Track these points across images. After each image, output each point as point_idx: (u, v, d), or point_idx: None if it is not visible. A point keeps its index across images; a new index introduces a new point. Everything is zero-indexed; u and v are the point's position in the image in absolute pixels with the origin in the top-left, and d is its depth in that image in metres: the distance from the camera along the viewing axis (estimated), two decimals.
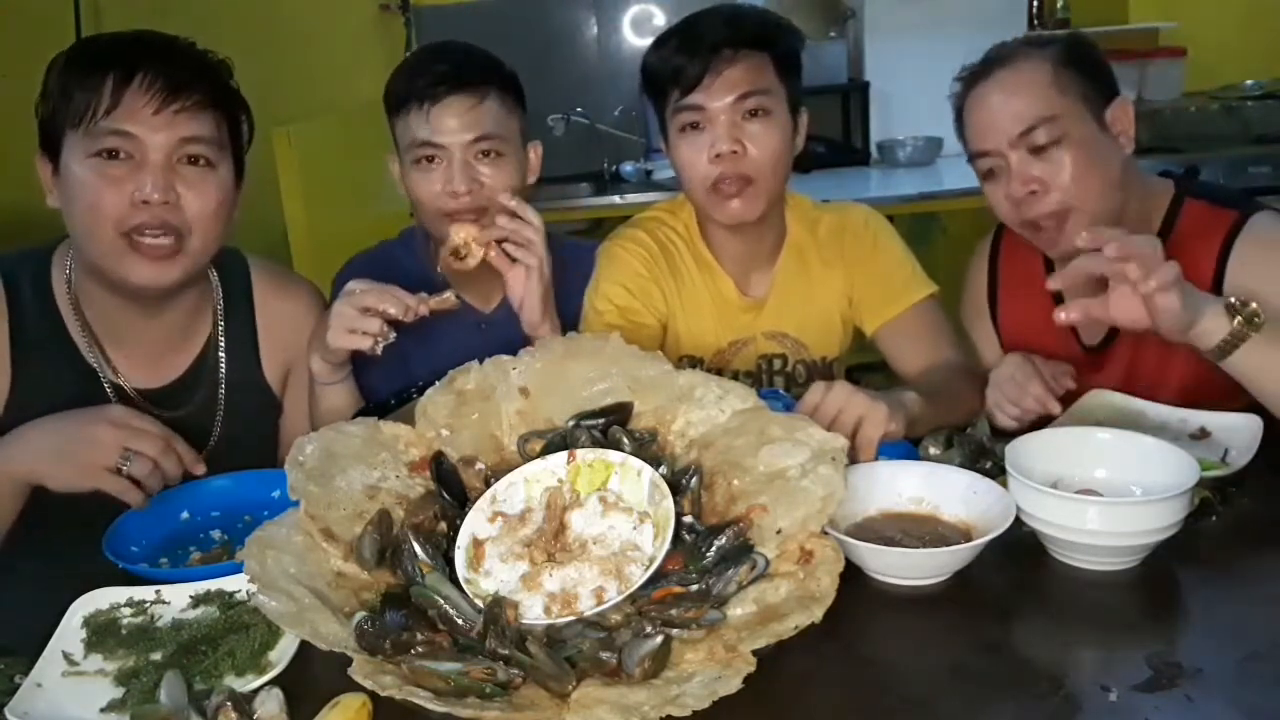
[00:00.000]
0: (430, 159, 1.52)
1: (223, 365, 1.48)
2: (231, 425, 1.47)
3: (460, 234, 1.47)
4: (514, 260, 1.47)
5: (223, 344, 1.48)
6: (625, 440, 1.15)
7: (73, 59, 1.29)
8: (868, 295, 1.64)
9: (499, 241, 1.47)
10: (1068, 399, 1.38)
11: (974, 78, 1.48)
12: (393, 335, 1.35)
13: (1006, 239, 1.64)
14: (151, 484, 1.23)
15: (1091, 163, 1.41)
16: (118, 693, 0.94)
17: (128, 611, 1.07)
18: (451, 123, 1.51)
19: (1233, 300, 1.20)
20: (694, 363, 1.63)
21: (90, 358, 1.38)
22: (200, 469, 1.29)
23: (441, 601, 0.97)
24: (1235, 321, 1.19)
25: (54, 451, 1.23)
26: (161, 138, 1.27)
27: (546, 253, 1.47)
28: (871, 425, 1.22)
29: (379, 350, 1.35)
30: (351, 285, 1.37)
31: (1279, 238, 1.41)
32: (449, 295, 1.40)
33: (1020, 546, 1.08)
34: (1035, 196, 1.42)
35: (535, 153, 1.64)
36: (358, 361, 1.48)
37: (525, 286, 1.46)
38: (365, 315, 1.34)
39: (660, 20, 3.76)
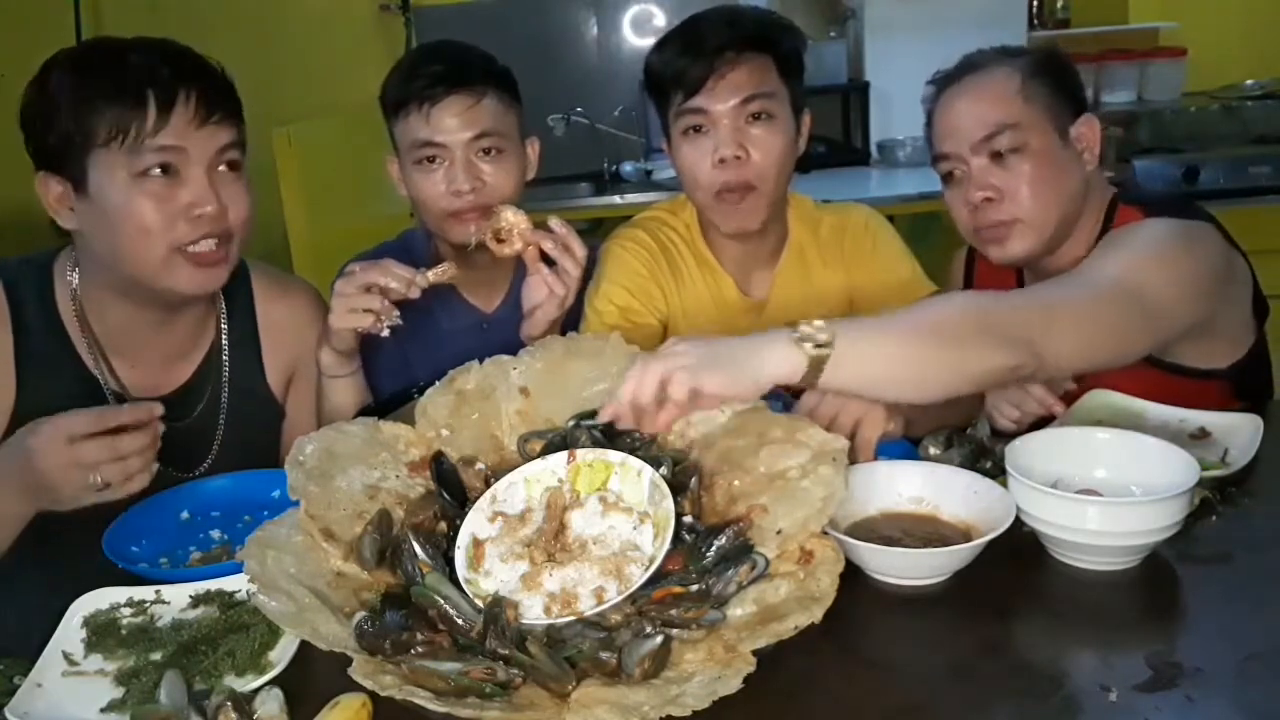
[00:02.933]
0: (431, 159, 1.53)
1: (226, 372, 1.47)
2: (234, 432, 1.47)
3: (509, 217, 1.42)
4: (547, 265, 1.44)
5: (226, 351, 1.48)
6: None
7: (90, 76, 1.25)
8: (868, 296, 1.64)
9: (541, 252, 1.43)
10: (1068, 399, 1.38)
11: (945, 81, 1.50)
12: (397, 314, 1.36)
13: (979, 256, 1.66)
14: (134, 467, 1.17)
15: (1048, 176, 1.43)
16: (118, 693, 0.94)
17: (128, 611, 1.07)
18: (451, 122, 1.51)
19: (797, 333, 1.03)
20: None
21: (94, 369, 1.38)
22: (159, 409, 1.20)
23: (441, 601, 0.97)
24: (808, 348, 1.02)
25: (29, 491, 1.17)
26: (206, 149, 1.27)
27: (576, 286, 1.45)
28: (869, 426, 1.22)
29: (384, 330, 1.36)
30: (351, 266, 1.38)
31: (1128, 231, 1.38)
32: (447, 266, 1.40)
33: (1020, 546, 1.07)
34: (990, 204, 1.44)
35: (533, 149, 1.64)
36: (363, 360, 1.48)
37: (544, 304, 1.43)
38: (366, 293, 1.35)
39: (660, 20, 3.76)
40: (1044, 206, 1.43)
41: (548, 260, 1.43)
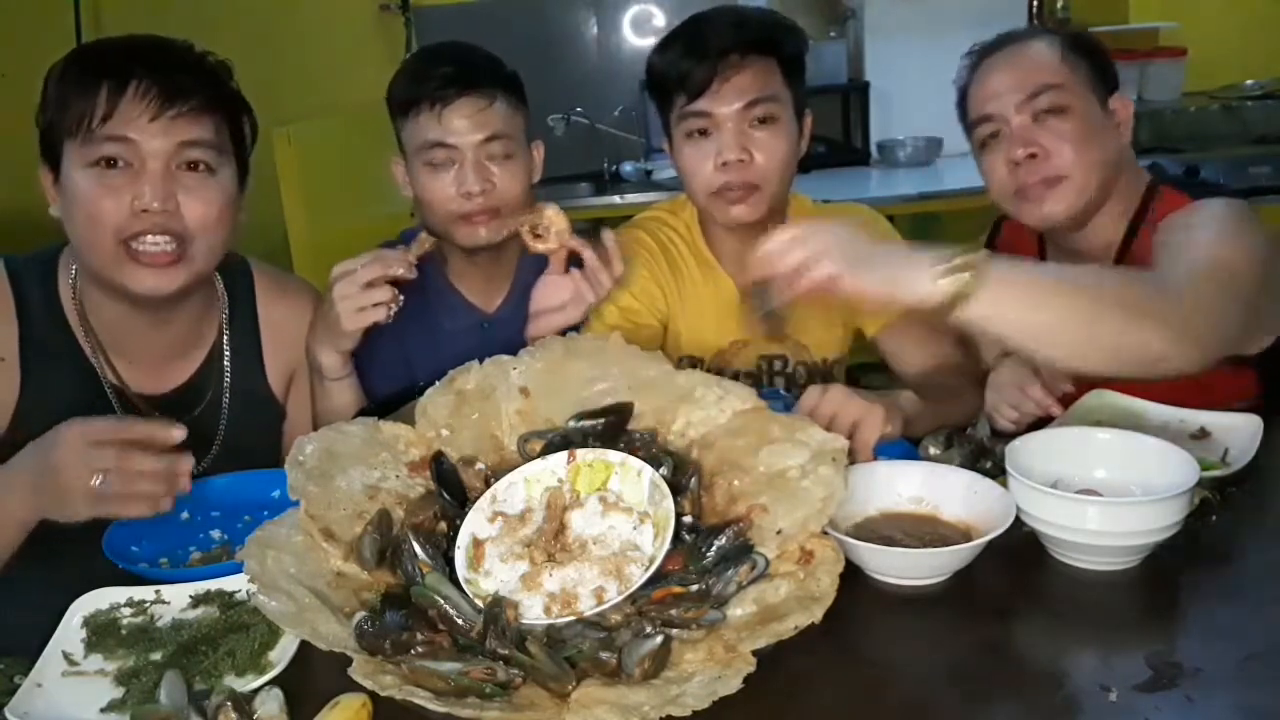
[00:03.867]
0: (442, 160, 1.52)
1: (228, 372, 1.47)
2: (234, 432, 1.46)
3: (550, 215, 1.42)
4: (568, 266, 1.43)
5: (228, 351, 1.47)
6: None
7: (69, 68, 1.28)
8: None
9: (572, 256, 1.43)
10: (1067, 399, 1.38)
11: (984, 53, 1.52)
12: (401, 299, 1.38)
13: (1004, 233, 1.66)
14: (142, 489, 1.13)
15: (1090, 137, 1.44)
16: (118, 693, 0.94)
17: (128, 611, 1.07)
18: (462, 124, 1.51)
19: (942, 264, 1.05)
20: (694, 363, 1.63)
21: (95, 364, 1.38)
22: (180, 434, 1.17)
23: (441, 601, 0.97)
24: (947, 282, 1.04)
25: (37, 490, 1.16)
26: (159, 144, 1.25)
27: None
28: (868, 428, 1.22)
29: (392, 317, 1.38)
30: (343, 266, 1.38)
31: (1191, 211, 1.38)
32: (424, 238, 1.44)
33: (1020, 546, 1.08)
34: (1033, 161, 1.45)
35: (538, 152, 1.64)
36: (359, 362, 1.48)
37: (567, 308, 1.41)
38: (370, 289, 1.36)
39: (660, 20, 3.76)
40: (1087, 166, 1.44)
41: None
